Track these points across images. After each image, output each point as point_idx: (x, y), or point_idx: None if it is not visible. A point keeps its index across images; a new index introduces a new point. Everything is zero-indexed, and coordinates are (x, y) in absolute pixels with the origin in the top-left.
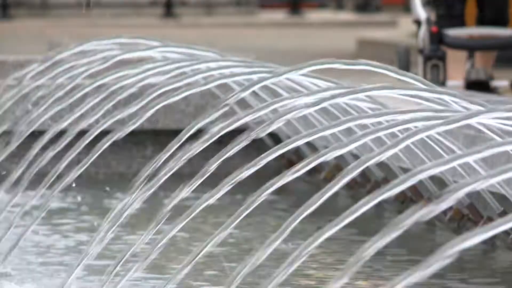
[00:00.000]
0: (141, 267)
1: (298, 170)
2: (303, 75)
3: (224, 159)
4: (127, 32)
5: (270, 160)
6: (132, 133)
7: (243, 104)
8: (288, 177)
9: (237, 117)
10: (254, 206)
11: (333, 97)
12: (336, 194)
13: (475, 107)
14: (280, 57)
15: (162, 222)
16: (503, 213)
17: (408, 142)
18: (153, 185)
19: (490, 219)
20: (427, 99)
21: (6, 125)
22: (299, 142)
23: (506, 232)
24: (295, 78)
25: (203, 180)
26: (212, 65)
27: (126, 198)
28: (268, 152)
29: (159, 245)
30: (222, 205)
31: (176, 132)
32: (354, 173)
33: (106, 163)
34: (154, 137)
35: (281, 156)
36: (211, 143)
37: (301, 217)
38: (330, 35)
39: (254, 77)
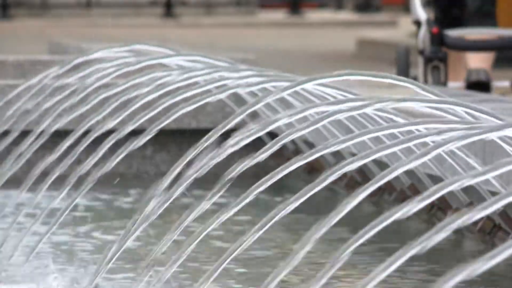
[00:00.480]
0: (171, 269)
1: (329, 177)
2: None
3: (222, 159)
4: (127, 32)
5: (270, 160)
6: (132, 133)
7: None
8: (316, 186)
9: (267, 121)
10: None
11: (361, 107)
12: (336, 194)
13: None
14: (280, 57)
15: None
16: (503, 213)
17: (435, 152)
18: (177, 188)
19: (490, 219)
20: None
21: (24, 124)
22: (327, 151)
23: (507, 232)
24: (308, 87)
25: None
26: (226, 74)
27: (151, 202)
28: (295, 159)
29: (191, 246)
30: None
31: (176, 132)
32: (382, 182)
33: (106, 163)
34: (154, 137)
35: (281, 156)
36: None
37: (330, 224)
38: (330, 35)
39: (268, 86)
